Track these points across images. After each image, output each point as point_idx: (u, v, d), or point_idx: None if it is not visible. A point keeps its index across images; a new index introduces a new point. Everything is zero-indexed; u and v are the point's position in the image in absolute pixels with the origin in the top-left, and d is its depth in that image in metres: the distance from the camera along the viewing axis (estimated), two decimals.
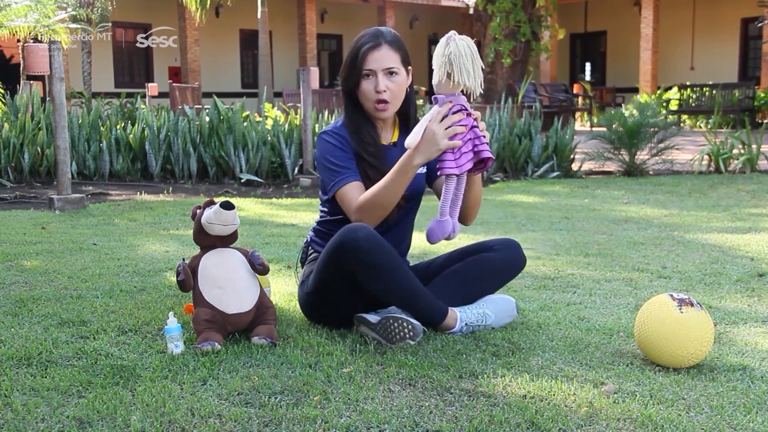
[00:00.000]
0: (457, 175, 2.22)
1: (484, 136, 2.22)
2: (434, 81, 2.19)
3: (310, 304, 2.48)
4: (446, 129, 2.16)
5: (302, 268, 2.59)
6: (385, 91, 2.33)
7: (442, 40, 2.14)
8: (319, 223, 2.57)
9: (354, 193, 2.32)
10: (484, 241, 2.63)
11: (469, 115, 2.19)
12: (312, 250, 2.55)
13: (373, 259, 2.21)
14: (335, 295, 2.38)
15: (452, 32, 2.17)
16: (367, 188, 2.34)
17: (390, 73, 2.34)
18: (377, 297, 2.32)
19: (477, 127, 2.21)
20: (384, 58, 2.33)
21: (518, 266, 2.59)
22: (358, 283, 2.28)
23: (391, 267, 2.24)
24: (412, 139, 2.18)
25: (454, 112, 2.17)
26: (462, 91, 2.20)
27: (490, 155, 2.23)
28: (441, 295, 2.41)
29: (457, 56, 2.11)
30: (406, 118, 2.51)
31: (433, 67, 2.20)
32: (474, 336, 2.41)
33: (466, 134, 2.18)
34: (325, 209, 2.53)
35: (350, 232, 2.22)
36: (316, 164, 2.44)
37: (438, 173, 2.24)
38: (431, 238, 2.26)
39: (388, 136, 2.49)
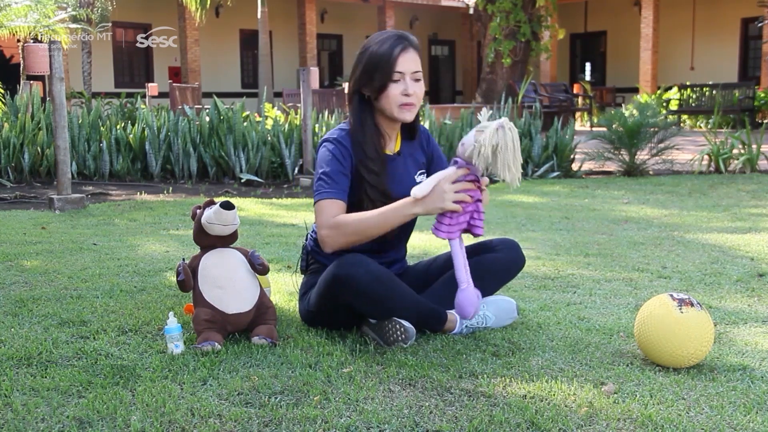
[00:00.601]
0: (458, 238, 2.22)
1: (483, 212, 2.24)
2: (464, 145, 2.15)
3: (312, 321, 2.48)
4: (455, 192, 2.15)
5: (303, 274, 2.58)
6: (413, 94, 2.31)
7: (493, 126, 2.09)
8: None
9: (332, 209, 2.25)
10: (483, 241, 2.63)
11: (479, 189, 2.20)
12: (313, 260, 2.51)
13: (371, 291, 2.20)
14: (336, 316, 2.39)
15: (504, 119, 2.11)
16: (364, 200, 2.31)
17: (416, 78, 2.32)
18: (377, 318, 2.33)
19: (481, 201, 2.22)
20: (413, 60, 2.31)
21: (518, 266, 2.60)
22: (357, 309, 2.30)
23: (389, 295, 2.23)
24: (420, 190, 2.16)
25: (468, 181, 2.17)
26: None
27: (482, 232, 2.25)
28: (441, 298, 2.41)
29: (503, 150, 2.07)
30: (410, 127, 2.48)
31: (474, 134, 2.13)
32: (474, 336, 2.41)
33: (469, 205, 2.19)
34: None
35: (345, 266, 2.20)
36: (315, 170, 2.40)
37: (434, 234, 2.22)
38: (466, 313, 2.23)
39: (392, 145, 2.45)
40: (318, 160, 2.36)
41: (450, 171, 2.17)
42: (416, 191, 2.16)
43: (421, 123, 2.57)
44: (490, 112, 2.20)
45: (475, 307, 2.23)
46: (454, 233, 2.20)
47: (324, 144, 2.37)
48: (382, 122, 2.39)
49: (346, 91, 13.79)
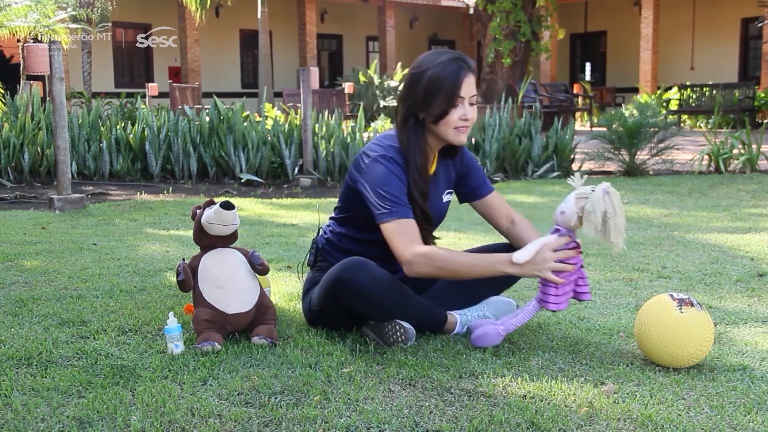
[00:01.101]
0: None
1: (586, 276, 2.24)
2: (565, 214, 2.15)
3: (314, 320, 2.48)
4: (556, 261, 2.15)
5: (310, 268, 2.57)
6: (471, 118, 2.28)
7: (599, 192, 2.09)
8: (335, 233, 2.49)
9: (410, 233, 2.21)
10: (486, 245, 2.65)
11: (580, 253, 2.20)
12: (322, 258, 2.51)
13: (372, 296, 2.19)
14: (337, 316, 2.39)
15: (607, 185, 2.11)
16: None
17: (472, 102, 2.29)
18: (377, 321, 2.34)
19: (583, 266, 2.21)
20: (472, 85, 2.28)
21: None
22: (357, 312, 2.30)
23: (389, 300, 2.23)
24: (522, 256, 2.15)
25: (570, 248, 2.18)
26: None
27: (590, 297, 2.25)
28: (443, 299, 2.42)
29: (613, 216, 2.08)
30: (447, 150, 2.44)
31: (574, 201, 2.14)
32: None
33: (572, 274, 2.18)
34: (346, 217, 2.45)
35: (348, 270, 2.19)
36: (364, 185, 2.27)
37: (539, 305, 2.22)
38: (480, 343, 2.26)
39: (429, 166, 2.42)
40: (374, 175, 2.26)
41: (552, 239, 2.17)
42: (518, 257, 2.15)
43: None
44: (585, 177, 2.21)
45: (492, 343, 2.26)
46: (563, 304, 2.19)
47: (380, 159, 2.27)
48: (430, 143, 2.35)
49: (346, 91, 13.73)
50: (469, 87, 2.26)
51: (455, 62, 2.26)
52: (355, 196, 2.35)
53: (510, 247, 2.54)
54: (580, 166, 8.50)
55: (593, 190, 2.12)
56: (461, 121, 2.27)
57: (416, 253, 2.18)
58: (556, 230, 2.19)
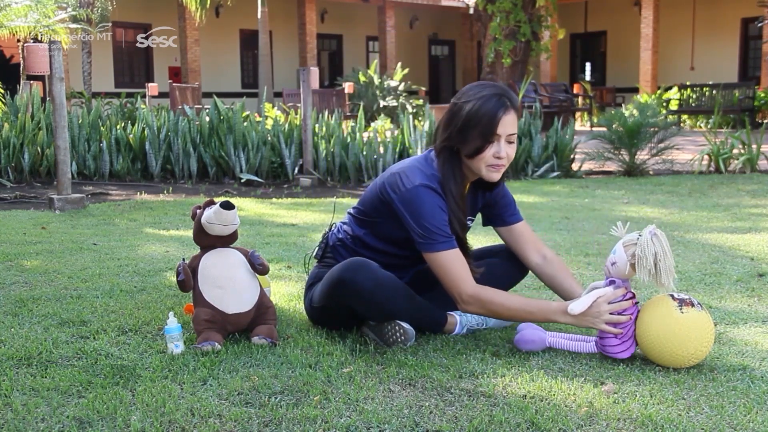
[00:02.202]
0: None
1: None
2: (617, 264, 2.15)
3: (314, 317, 2.48)
4: (611, 313, 2.16)
5: (316, 260, 2.56)
6: (505, 157, 2.25)
7: (647, 236, 2.10)
8: (349, 234, 2.46)
9: (462, 266, 2.25)
10: (488, 246, 2.65)
11: (636, 303, 2.20)
12: (330, 254, 2.50)
13: (373, 297, 2.20)
14: (337, 315, 2.39)
15: (653, 227, 2.12)
16: None
17: (510, 140, 2.26)
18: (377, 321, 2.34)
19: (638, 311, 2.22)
20: (512, 123, 2.24)
21: (521, 274, 2.62)
22: (358, 312, 2.30)
23: (390, 301, 2.23)
24: (577, 307, 2.16)
25: (626, 299, 2.18)
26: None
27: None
28: (443, 300, 2.41)
29: (663, 257, 2.08)
30: (484, 184, 2.41)
31: (622, 249, 2.14)
32: (474, 336, 2.41)
33: (629, 324, 2.18)
34: (367, 221, 2.42)
35: (350, 270, 2.20)
36: (404, 212, 2.26)
37: (598, 350, 2.22)
38: (528, 347, 2.25)
39: (465, 198, 2.41)
40: (418, 205, 2.25)
41: (609, 291, 2.18)
42: (574, 308, 2.16)
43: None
44: (627, 224, 2.21)
45: (534, 347, 2.26)
46: (628, 351, 2.18)
47: (423, 190, 2.25)
48: (466, 173, 2.34)
49: (346, 91, 13.71)
50: (507, 125, 2.23)
51: (496, 98, 2.22)
52: (386, 210, 2.34)
53: (511, 254, 2.54)
54: (580, 166, 8.51)
55: (640, 236, 2.12)
56: (495, 159, 2.24)
57: (471, 294, 2.24)
58: (612, 282, 2.19)
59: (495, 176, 2.28)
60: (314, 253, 2.58)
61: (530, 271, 2.58)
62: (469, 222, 2.47)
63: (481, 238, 4.18)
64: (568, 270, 2.51)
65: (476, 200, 2.49)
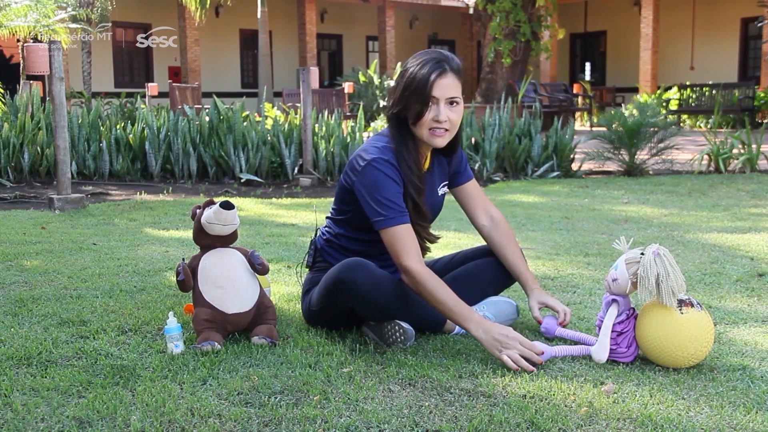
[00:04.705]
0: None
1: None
2: (619, 282, 2.15)
3: (313, 320, 2.48)
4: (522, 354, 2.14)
5: (308, 269, 2.57)
6: (446, 120, 2.25)
7: (649, 256, 2.09)
8: (333, 234, 2.48)
9: (413, 239, 2.24)
10: (486, 245, 2.64)
11: (635, 316, 2.21)
12: (320, 258, 2.50)
13: (371, 297, 2.19)
14: (336, 316, 2.39)
15: (656, 247, 2.10)
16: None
17: (452, 102, 2.26)
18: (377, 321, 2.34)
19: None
20: (449, 86, 2.24)
21: (508, 281, 2.60)
22: (357, 312, 2.30)
23: (389, 301, 2.23)
24: (602, 355, 2.14)
25: (627, 317, 2.20)
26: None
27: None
28: None
29: (665, 277, 2.07)
30: (446, 150, 2.43)
31: (624, 267, 2.14)
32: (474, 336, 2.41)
33: (629, 328, 2.18)
34: (343, 219, 2.44)
35: (348, 270, 2.19)
36: (360, 190, 2.28)
37: (613, 357, 2.20)
38: (598, 358, 2.20)
39: (422, 162, 2.42)
40: (370, 179, 2.26)
41: (614, 311, 2.18)
42: (598, 356, 2.15)
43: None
44: (631, 239, 2.20)
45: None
46: (630, 356, 2.18)
47: (374, 164, 2.26)
48: (419, 142, 2.34)
49: (346, 90, 13.72)
50: (444, 88, 2.23)
51: (433, 62, 2.24)
52: (351, 197, 2.35)
53: (490, 252, 2.54)
54: (580, 166, 8.51)
55: (642, 254, 2.11)
56: (434, 122, 2.25)
57: (411, 267, 2.20)
58: (614, 301, 2.18)
59: (438, 141, 2.28)
60: (305, 262, 2.58)
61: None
62: (442, 188, 2.49)
63: (481, 238, 4.17)
64: (514, 239, 2.50)
65: (443, 165, 2.51)
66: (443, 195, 2.53)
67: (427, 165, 2.43)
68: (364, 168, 2.28)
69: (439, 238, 2.52)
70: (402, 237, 2.23)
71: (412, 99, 2.24)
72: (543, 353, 2.11)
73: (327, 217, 2.55)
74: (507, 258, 2.48)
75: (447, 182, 2.53)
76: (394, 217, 2.23)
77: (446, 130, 2.27)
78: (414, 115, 2.26)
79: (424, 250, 2.43)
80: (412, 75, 2.24)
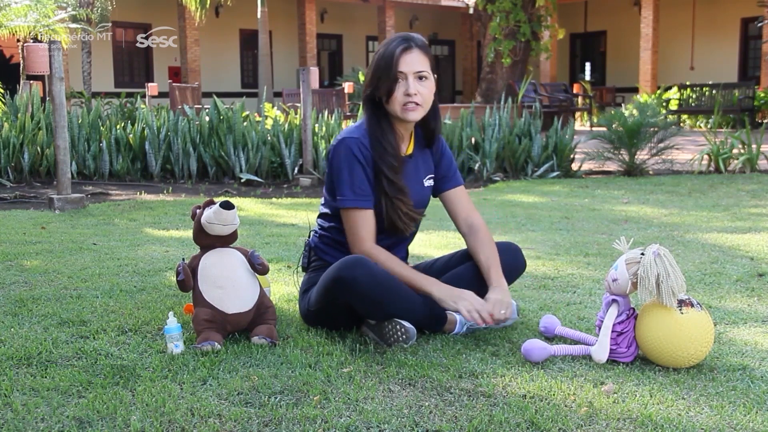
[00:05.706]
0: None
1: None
2: (619, 282, 2.15)
3: (312, 320, 2.48)
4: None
5: (304, 272, 2.57)
6: (416, 94, 2.31)
7: (649, 257, 2.09)
8: (324, 229, 2.51)
9: (366, 225, 2.32)
10: (460, 251, 2.64)
11: (635, 316, 2.21)
12: (315, 257, 2.51)
13: (371, 294, 2.20)
14: (336, 316, 2.39)
15: (656, 247, 2.10)
16: (382, 198, 2.33)
17: (420, 77, 2.32)
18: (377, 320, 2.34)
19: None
20: (415, 61, 2.31)
21: (518, 270, 2.60)
22: (357, 311, 2.30)
23: (389, 298, 2.23)
24: (602, 355, 2.14)
25: (627, 317, 2.19)
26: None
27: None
28: None
29: (665, 278, 2.07)
30: (425, 128, 2.48)
31: (624, 267, 2.14)
32: (474, 336, 2.41)
33: (629, 329, 2.18)
34: (331, 214, 2.48)
35: (347, 268, 2.20)
36: (331, 166, 2.38)
37: (613, 357, 2.19)
38: (531, 357, 2.19)
39: (404, 147, 2.46)
40: (337, 160, 2.35)
41: (614, 311, 2.18)
42: (598, 357, 2.15)
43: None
44: (632, 239, 2.19)
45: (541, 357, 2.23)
46: (631, 356, 2.18)
47: (347, 143, 2.35)
48: (395, 123, 2.40)
49: (346, 90, 13.74)
50: (410, 63, 2.31)
51: (398, 40, 2.34)
52: (331, 186, 2.43)
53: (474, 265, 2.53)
54: (580, 166, 8.51)
55: (642, 254, 2.11)
56: (405, 96, 2.31)
57: (361, 249, 2.31)
58: (614, 301, 2.18)
59: (411, 115, 2.34)
60: (300, 263, 2.59)
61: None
62: (428, 181, 2.52)
63: None
64: (489, 243, 2.47)
65: (427, 157, 2.53)
66: (430, 188, 2.54)
67: (410, 150, 2.47)
68: (334, 147, 2.38)
69: (424, 215, 2.53)
70: (364, 223, 2.32)
71: (383, 77, 2.32)
72: (506, 320, 2.26)
73: (318, 216, 2.58)
74: (480, 262, 2.47)
75: (432, 176, 2.54)
76: (356, 200, 2.32)
77: (417, 104, 2.33)
78: (386, 93, 2.33)
79: (408, 227, 2.42)
80: (380, 54, 2.34)
